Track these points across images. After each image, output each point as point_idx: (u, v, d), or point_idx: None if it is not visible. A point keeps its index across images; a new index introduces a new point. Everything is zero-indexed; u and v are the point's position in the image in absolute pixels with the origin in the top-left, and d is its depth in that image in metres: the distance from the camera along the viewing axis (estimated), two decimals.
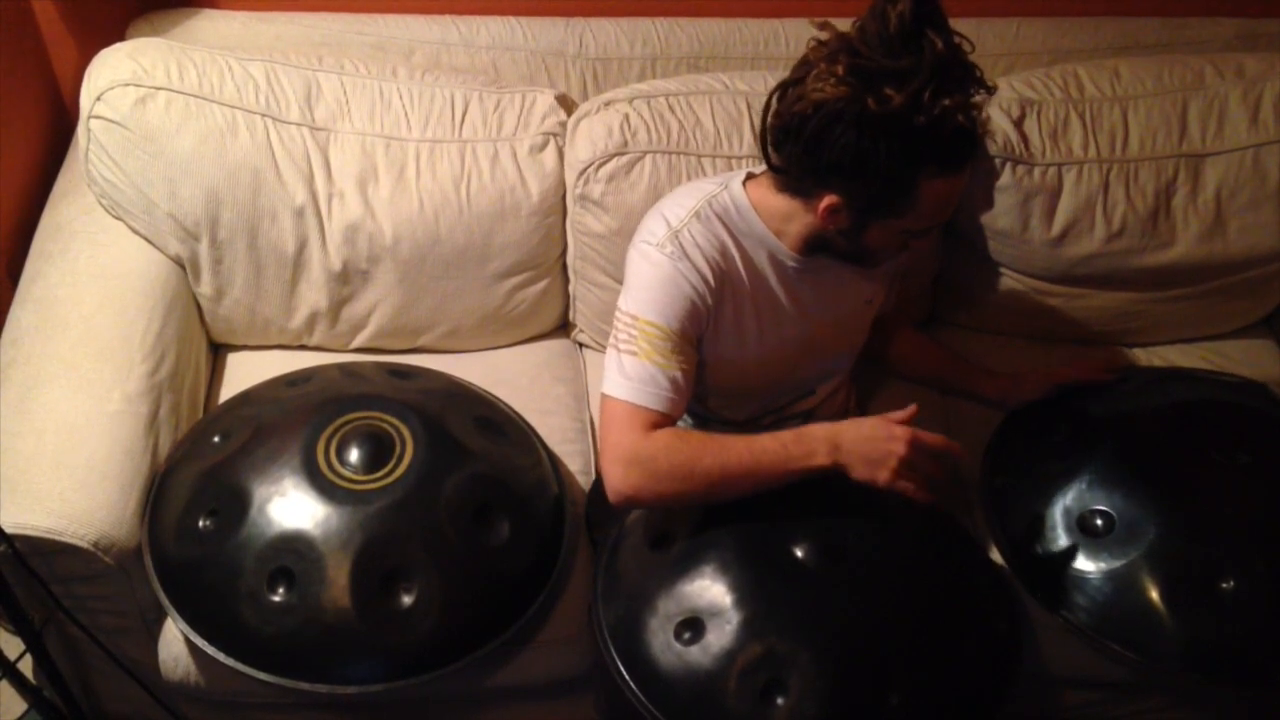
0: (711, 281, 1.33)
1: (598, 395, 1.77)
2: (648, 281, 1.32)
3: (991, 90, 1.24)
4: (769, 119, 1.29)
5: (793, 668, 1.19)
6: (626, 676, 1.24)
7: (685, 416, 1.55)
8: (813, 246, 1.37)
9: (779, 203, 1.35)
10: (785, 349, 1.45)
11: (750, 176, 1.40)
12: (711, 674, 1.20)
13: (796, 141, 1.25)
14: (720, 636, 1.21)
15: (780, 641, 1.21)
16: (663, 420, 1.28)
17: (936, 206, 1.27)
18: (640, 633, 1.25)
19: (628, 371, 1.29)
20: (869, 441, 1.26)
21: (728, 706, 1.19)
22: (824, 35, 1.23)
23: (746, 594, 1.23)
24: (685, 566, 1.27)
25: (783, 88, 1.26)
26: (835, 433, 1.27)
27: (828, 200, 1.28)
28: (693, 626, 1.23)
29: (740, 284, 1.38)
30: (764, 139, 1.31)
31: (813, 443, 1.26)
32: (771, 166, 1.33)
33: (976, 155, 1.27)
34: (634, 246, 1.36)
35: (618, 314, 1.34)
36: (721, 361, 1.42)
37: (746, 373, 1.45)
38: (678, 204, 1.37)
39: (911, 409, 1.28)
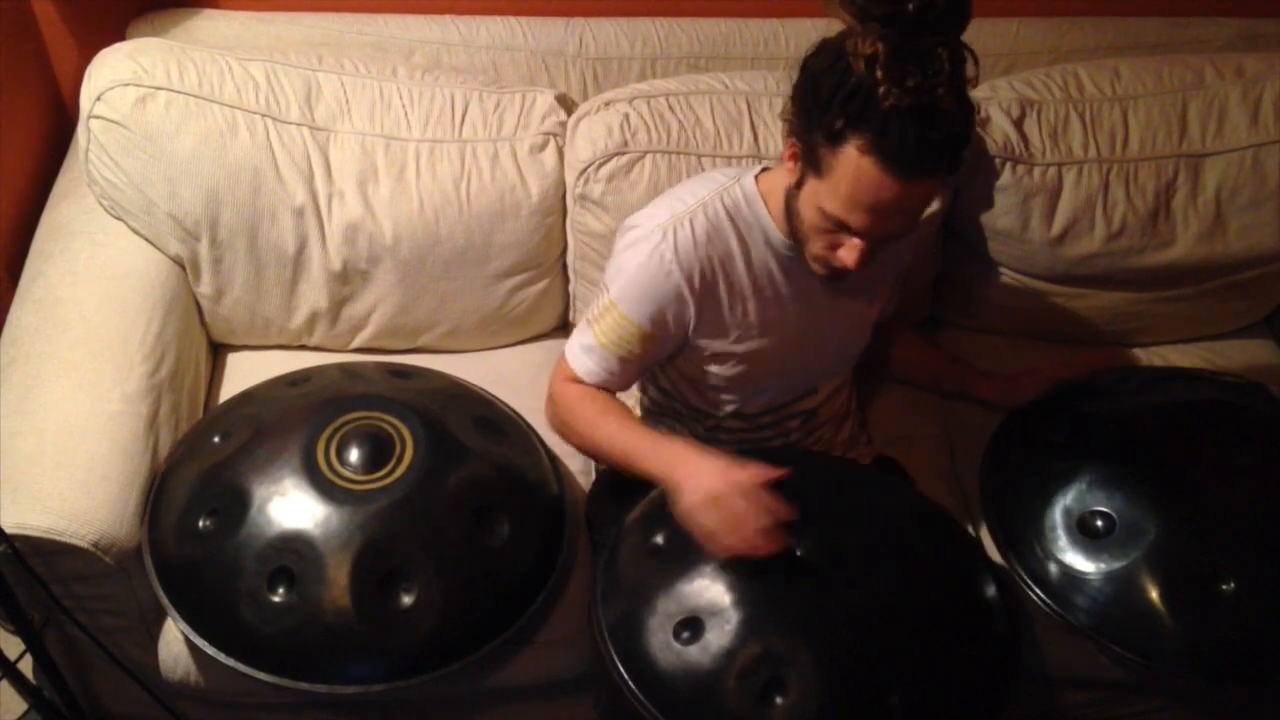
0: (697, 283, 1.34)
1: None
2: (628, 270, 1.35)
3: (966, 82, 1.17)
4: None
5: (792, 667, 1.19)
6: (625, 676, 1.24)
7: (684, 410, 1.55)
8: (791, 226, 1.35)
9: (776, 184, 1.34)
10: (787, 344, 1.45)
11: (764, 170, 1.40)
12: (711, 673, 1.20)
13: (800, 66, 1.24)
14: (719, 636, 1.21)
15: (779, 641, 1.21)
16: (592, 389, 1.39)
17: (852, 190, 1.19)
18: (639, 632, 1.25)
19: (582, 340, 1.39)
20: (694, 475, 1.23)
21: (727, 706, 1.19)
22: None
23: (746, 593, 1.23)
24: (684, 566, 1.27)
25: None
26: (686, 462, 1.25)
27: (792, 140, 1.26)
28: (692, 626, 1.23)
29: (740, 279, 1.37)
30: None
31: (663, 454, 1.28)
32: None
33: (916, 174, 1.18)
34: (631, 228, 1.37)
35: (603, 282, 1.39)
36: (721, 354, 1.42)
37: (747, 366, 1.45)
38: (689, 192, 1.37)
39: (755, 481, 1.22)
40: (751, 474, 1.21)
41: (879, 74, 1.12)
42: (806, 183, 1.26)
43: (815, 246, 1.31)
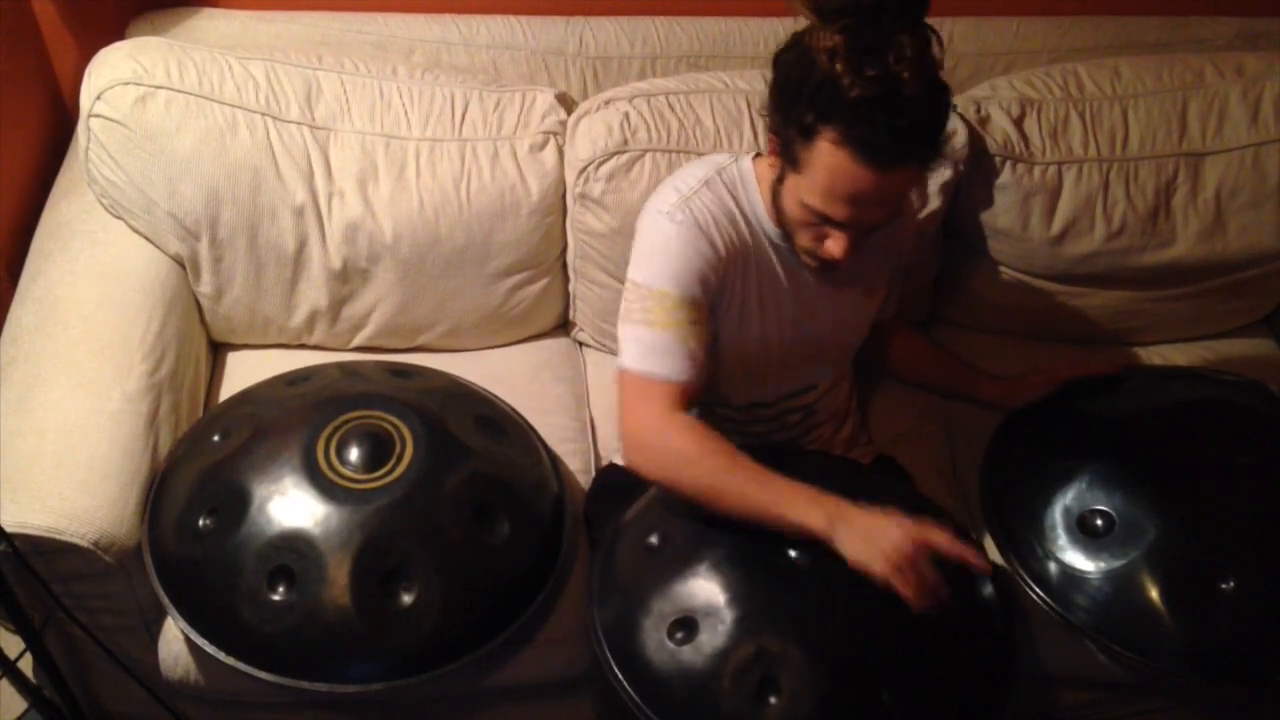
0: (721, 251, 1.32)
1: (598, 394, 1.79)
2: (658, 249, 1.31)
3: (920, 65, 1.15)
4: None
5: (786, 667, 1.19)
6: (620, 676, 1.24)
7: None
8: (778, 217, 1.35)
9: (767, 168, 1.34)
10: (784, 333, 1.45)
11: (759, 155, 1.40)
12: (705, 673, 1.20)
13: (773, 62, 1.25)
14: (713, 636, 1.21)
15: (773, 641, 1.21)
16: (679, 391, 1.28)
17: (829, 183, 1.20)
18: (634, 632, 1.25)
19: (643, 342, 1.28)
20: (874, 526, 1.19)
21: (721, 706, 1.19)
22: None
23: (740, 593, 1.23)
24: (679, 566, 1.27)
25: None
26: (842, 506, 1.21)
27: (770, 139, 1.27)
28: (686, 626, 1.23)
29: (746, 259, 1.37)
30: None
31: (817, 502, 1.21)
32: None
33: (891, 164, 1.17)
34: (643, 215, 1.36)
35: (627, 285, 1.33)
36: (725, 336, 1.42)
37: (746, 354, 1.45)
38: (690, 174, 1.37)
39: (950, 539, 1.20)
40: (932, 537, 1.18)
41: (839, 66, 1.13)
42: (787, 178, 1.27)
43: (802, 239, 1.32)
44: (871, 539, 1.18)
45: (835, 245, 1.28)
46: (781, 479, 1.23)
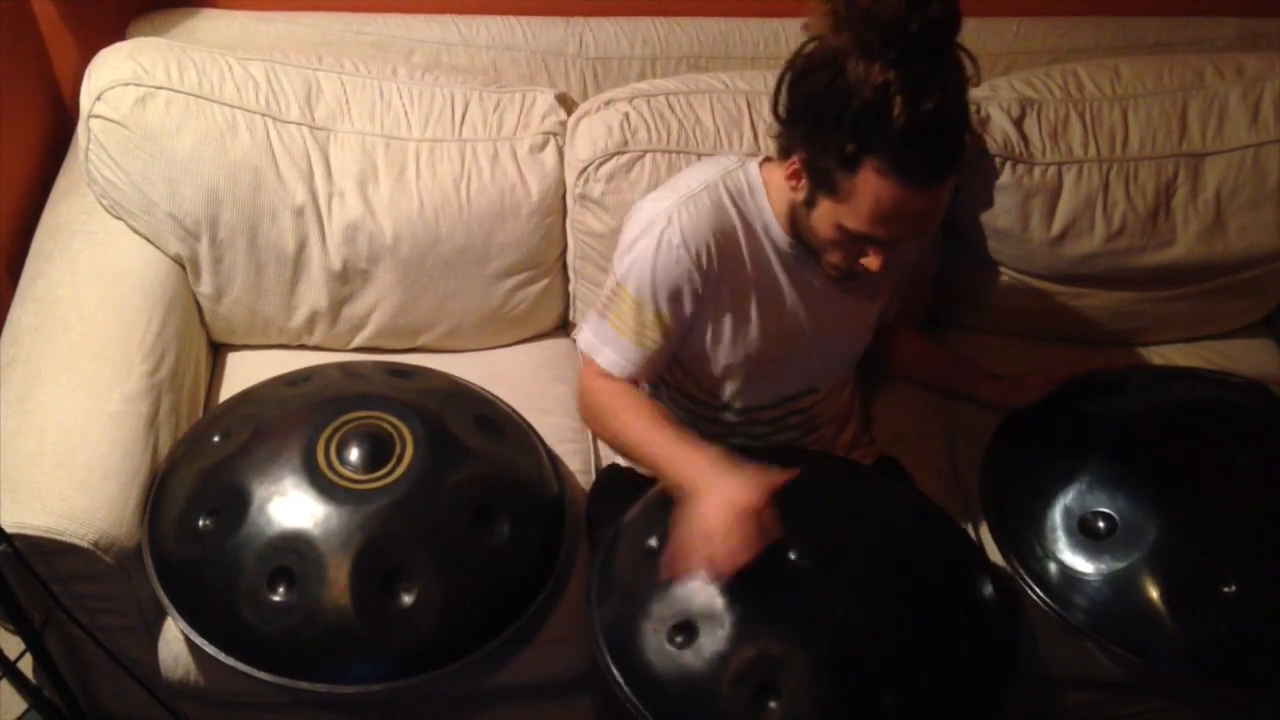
0: (704, 263, 1.33)
1: None
2: (639, 253, 1.33)
3: (960, 83, 1.17)
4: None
5: (786, 670, 1.19)
6: (620, 679, 1.23)
7: (684, 402, 1.55)
8: (795, 229, 1.35)
9: (777, 176, 1.34)
10: (786, 339, 1.45)
11: (767, 160, 1.40)
12: (704, 677, 1.20)
13: (785, 84, 1.24)
14: (713, 639, 1.21)
15: (773, 644, 1.20)
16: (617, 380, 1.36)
17: (872, 208, 1.20)
18: (633, 635, 1.25)
19: (596, 329, 1.38)
20: (712, 515, 1.17)
21: (721, 710, 1.19)
22: None
23: (739, 597, 1.22)
24: None
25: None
26: (705, 478, 1.20)
27: (794, 159, 1.26)
28: (686, 629, 1.22)
29: (742, 267, 1.37)
30: (776, 93, 1.26)
31: (688, 467, 1.23)
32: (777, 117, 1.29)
33: (935, 183, 1.18)
34: (639, 209, 1.37)
35: (610, 270, 1.38)
36: (721, 345, 1.42)
37: (747, 359, 1.45)
38: (694, 176, 1.37)
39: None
40: (765, 483, 1.17)
41: (896, 100, 1.12)
42: (819, 203, 1.26)
43: (834, 257, 1.33)
44: (703, 532, 1.17)
45: (874, 261, 1.29)
46: (678, 438, 1.28)
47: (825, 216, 1.27)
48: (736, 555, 1.17)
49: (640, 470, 1.46)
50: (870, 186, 1.18)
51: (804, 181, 1.27)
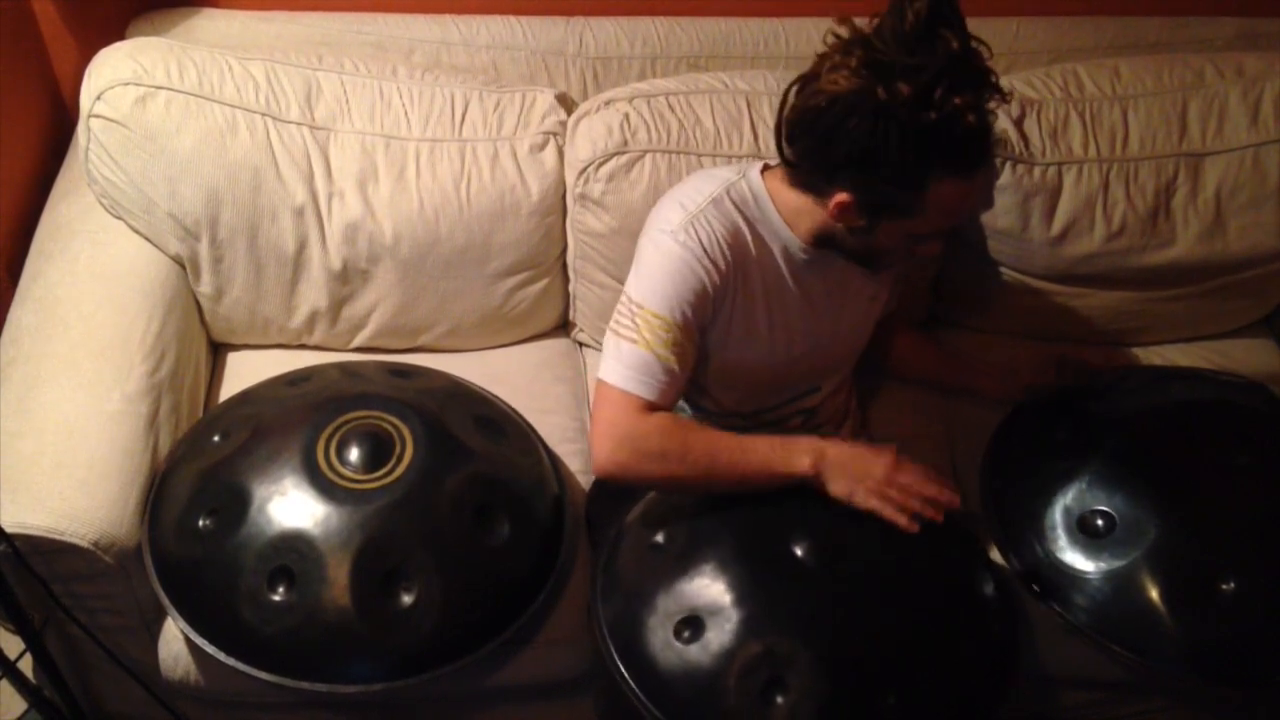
0: (723, 270, 1.33)
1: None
2: (656, 270, 1.32)
3: (1006, 97, 1.23)
4: (785, 113, 1.29)
5: (792, 667, 1.19)
6: (626, 675, 1.24)
7: (685, 408, 1.55)
8: (822, 241, 1.37)
9: (792, 196, 1.35)
10: (793, 342, 1.45)
11: (766, 167, 1.40)
12: (711, 673, 1.20)
13: (810, 135, 1.26)
14: (720, 635, 1.21)
15: (780, 640, 1.21)
16: (652, 407, 1.30)
17: (945, 210, 1.27)
18: (640, 631, 1.25)
19: (625, 359, 1.30)
20: (854, 458, 1.30)
21: (727, 705, 1.19)
22: (842, 31, 1.22)
23: (746, 592, 1.23)
24: (685, 565, 1.27)
25: (801, 81, 1.26)
26: (823, 444, 1.31)
27: (839, 197, 1.28)
28: (692, 625, 1.23)
29: (753, 275, 1.38)
30: (779, 134, 1.31)
31: (800, 448, 1.30)
32: (786, 161, 1.33)
33: (990, 162, 1.27)
34: (646, 234, 1.36)
35: (622, 299, 1.34)
36: (730, 352, 1.42)
37: (755, 364, 1.45)
38: (695, 189, 1.37)
39: (892, 447, 1.34)
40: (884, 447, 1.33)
41: (968, 118, 1.18)
42: (882, 225, 1.30)
43: (895, 259, 1.41)
44: (854, 474, 1.29)
45: (935, 246, 1.39)
46: (760, 440, 1.32)
47: (892, 234, 1.32)
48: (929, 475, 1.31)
49: None
50: (942, 193, 1.24)
51: (857, 214, 1.29)
